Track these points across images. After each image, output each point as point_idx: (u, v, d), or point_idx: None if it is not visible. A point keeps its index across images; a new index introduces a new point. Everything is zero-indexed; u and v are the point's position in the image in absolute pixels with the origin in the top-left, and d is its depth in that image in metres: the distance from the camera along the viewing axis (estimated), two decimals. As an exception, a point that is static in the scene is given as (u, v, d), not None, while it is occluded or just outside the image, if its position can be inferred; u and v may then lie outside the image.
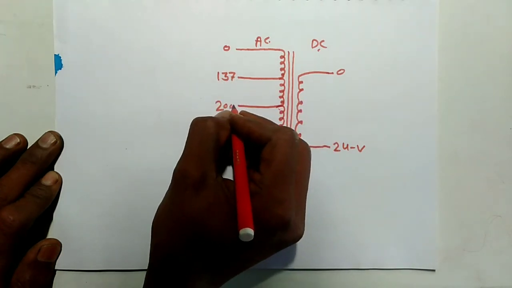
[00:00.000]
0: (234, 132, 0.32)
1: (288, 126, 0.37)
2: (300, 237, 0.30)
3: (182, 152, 0.30)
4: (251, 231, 0.27)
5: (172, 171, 0.30)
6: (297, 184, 0.30)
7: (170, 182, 0.30)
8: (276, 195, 0.28)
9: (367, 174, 0.37)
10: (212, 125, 0.30)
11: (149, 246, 0.30)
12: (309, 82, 0.37)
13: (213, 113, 0.36)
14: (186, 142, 0.30)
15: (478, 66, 0.38)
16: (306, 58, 0.37)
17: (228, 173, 0.35)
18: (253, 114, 0.35)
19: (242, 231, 0.27)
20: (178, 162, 0.30)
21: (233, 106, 0.36)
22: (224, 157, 0.32)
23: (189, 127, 0.31)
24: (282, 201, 0.28)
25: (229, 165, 0.35)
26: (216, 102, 0.37)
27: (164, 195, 0.31)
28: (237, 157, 0.31)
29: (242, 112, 0.36)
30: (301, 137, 0.37)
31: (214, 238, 0.28)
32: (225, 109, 0.36)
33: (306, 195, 0.31)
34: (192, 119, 0.31)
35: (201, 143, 0.30)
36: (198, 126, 0.31)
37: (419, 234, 0.37)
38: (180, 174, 0.29)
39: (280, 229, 0.28)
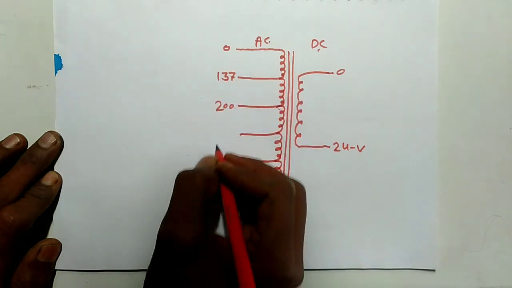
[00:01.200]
0: (223, 182, 0.30)
1: (288, 126, 0.37)
2: (300, 283, 0.29)
3: (167, 209, 0.28)
4: None
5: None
6: (295, 234, 0.28)
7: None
8: (278, 256, 0.27)
9: (367, 174, 0.37)
10: (201, 181, 0.28)
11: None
12: (309, 82, 0.37)
13: (213, 114, 0.36)
14: (171, 200, 0.28)
15: (478, 66, 0.38)
16: (306, 58, 0.37)
17: (219, 225, 0.34)
18: (240, 157, 0.33)
19: None
20: (164, 222, 0.28)
21: (217, 146, 0.35)
22: (211, 207, 0.31)
23: (174, 182, 0.29)
24: (284, 261, 0.27)
25: (217, 215, 0.34)
26: (216, 102, 0.37)
27: (151, 260, 0.29)
28: (230, 214, 0.29)
29: (228, 156, 0.33)
30: (301, 138, 0.37)
31: None
32: (207, 155, 0.34)
33: (303, 240, 0.30)
34: (177, 174, 0.29)
35: (190, 202, 0.28)
36: (185, 182, 0.28)
37: (419, 234, 0.37)
38: (168, 239, 0.27)
39: (282, 287, 0.27)
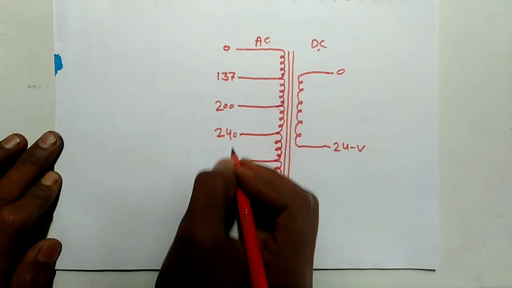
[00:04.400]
0: (240, 188, 0.30)
1: (288, 126, 0.37)
2: None
3: (187, 208, 0.28)
4: None
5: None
6: (310, 246, 0.29)
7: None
8: (295, 268, 0.27)
9: (367, 174, 0.37)
10: (222, 183, 0.28)
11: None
12: (309, 82, 0.37)
13: (213, 113, 0.36)
14: (192, 199, 0.28)
15: (478, 66, 0.38)
16: (306, 58, 0.37)
17: (234, 228, 0.33)
18: (257, 165, 0.32)
19: None
20: (184, 220, 0.28)
21: (232, 150, 0.34)
22: (229, 210, 0.30)
23: (194, 182, 0.29)
24: (300, 273, 0.27)
25: (233, 218, 0.33)
26: (216, 102, 0.37)
27: (167, 254, 0.29)
28: (246, 221, 0.29)
29: (244, 162, 0.32)
30: (301, 138, 0.37)
31: None
32: (224, 158, 0.33)
33: (314, 251, 0.30)
34: (198, 174, 0.29)
35: (210, 203, 0.27)
36: (206, 183, 0.28)
37: (419, 234, 0.37)
38: (187, 237, 0.27)
39: None
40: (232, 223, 0.33)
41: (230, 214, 0.32)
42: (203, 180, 0.29)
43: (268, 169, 0.32)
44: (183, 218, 0.28)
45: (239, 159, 0.33)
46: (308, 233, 0.28)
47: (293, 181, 0.32)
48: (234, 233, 0.34)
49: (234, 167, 0.31)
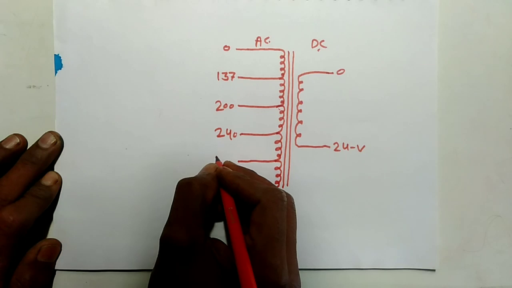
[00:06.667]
0: (222, 187, 0.32)
1: (288, 126, 0.37)
2: None
3: (170, 210, 0.30)
4: None
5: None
6: (287, 241, 0.29)
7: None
8: (269, 260, 0.28)
9: (367, 174, 0.37)
10: (198, 188, 0.30)
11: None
12: (309, 82, 0.37)
13: (213, 113, 0.36)
14: (171, 207, 0.30)
15: (478, 66, 0.38)
16: (306, 58, 0.37)
17: (216, 230, 0.35)
18: (238, 166, 0.35)
19: None
20: (164, 228, 0.29)
21: (216, 157, 0.36)
22: (210, 214, 0.32)
23: (174, 190, 0.31)
24: (276, 266, 0.28)
25: (216, 221, 0.35)
26: (216, 102, 0.37)
27: (155, 262, 0.30)
28: (231, 217, 0.30)
29: (227, 163, 0.35)
30: (301, 138, 0.37)
31: None
32: (209, 163, 0.35)
33: (296, 248, 0.31)
34: (177, 182, 0.31)
35: (187, 208, 0.29)
36: (183, 190, 0.30)
37: (419, 234, 0.37)
38: (166, 242, 0.29)
39: None
40: (216, 224, 0.35)
41: (216, 214, 0.34)
42: (180, 187, 0.31)
43: (247, 169, 0.35)
44: (165, 224, 0.30)
45: (223, 162, 0.36)
46: (282, 227, 0.29)
47: (268, 181, 0.34)
48: (219, 233, 0.35)
49: (216, 168, 0.33)
